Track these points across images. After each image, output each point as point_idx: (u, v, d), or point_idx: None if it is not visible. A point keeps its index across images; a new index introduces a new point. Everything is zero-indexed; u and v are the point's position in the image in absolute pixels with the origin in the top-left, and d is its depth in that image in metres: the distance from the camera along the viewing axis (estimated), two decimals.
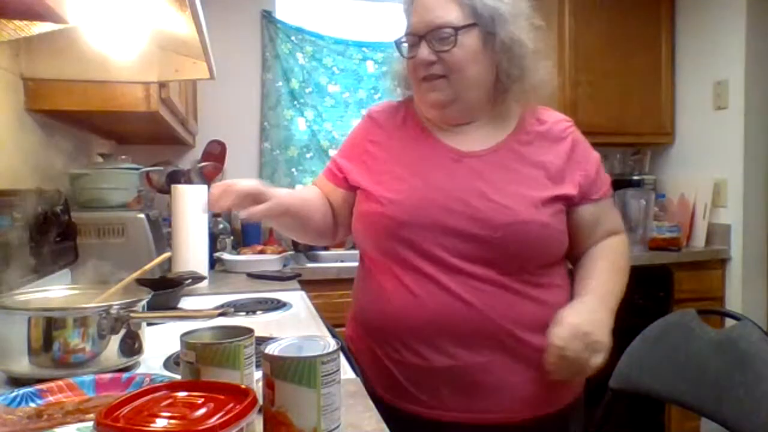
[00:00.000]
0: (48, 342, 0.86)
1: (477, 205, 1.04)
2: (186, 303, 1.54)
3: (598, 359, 0.98)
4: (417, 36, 1.08)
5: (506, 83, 1.10)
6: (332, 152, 2.78)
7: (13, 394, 0.76)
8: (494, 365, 1.03)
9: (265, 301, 1.60)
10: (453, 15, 1.06)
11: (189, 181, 2.29)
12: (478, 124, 1.14)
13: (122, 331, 0.91)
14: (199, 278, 1.71)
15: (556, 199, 1.07)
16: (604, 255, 1.15)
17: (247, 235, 2.66)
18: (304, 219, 1.18)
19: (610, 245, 1.16)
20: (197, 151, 2.80)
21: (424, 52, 1.07)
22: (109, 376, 0.83)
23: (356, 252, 1.23)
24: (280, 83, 2.96)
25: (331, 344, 0.66)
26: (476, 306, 1.02)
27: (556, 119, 1.17)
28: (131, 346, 0.94)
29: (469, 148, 1.12)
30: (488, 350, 1.03)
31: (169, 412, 0.54)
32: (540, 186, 1.07)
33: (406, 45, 1.12)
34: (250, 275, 2.10)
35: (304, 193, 1.25)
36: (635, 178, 3.07)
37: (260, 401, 0.58)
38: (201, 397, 0.57)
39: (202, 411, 0.54)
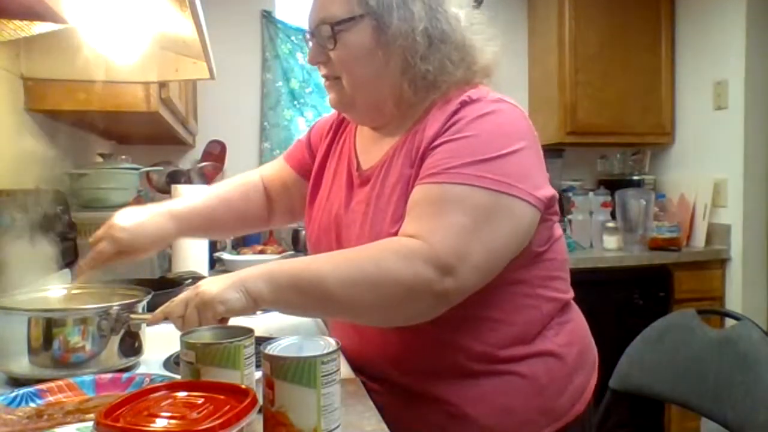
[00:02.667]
0: (48, 342, 0.86)
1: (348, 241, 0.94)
2: None
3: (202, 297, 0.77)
4: (310, 33, 0.95)
5: (420, 82, 0.90)
6: None
7: (13, 394, 0.76)
8: (386, 395, 0.93)
9: None
10: (336, 7, 0.89)
11: (189, 181, 2.29)
12: (389, 130, 0.98)
13: (122, 332, 0.91)
14: (199, 278, 1.71)
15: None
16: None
17: (247, 236, 2.66)
18: (206, 231, 1.20)
19: None
20: (197, 151, 2.81)
21: (312, 51, 0.95)
22: (109, 376, 0.83)
23: None
24: (280, 83, 2.96)
25: (331, 344, 0.66)
26: (356, 340, 0.97)
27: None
28: (131, 346, 0.94)
29: (369, 164, 0.98)
30: (380, 379, 0.95)
31: (169, 412, 0.54)
32: (397, 213, 0.87)
33: (309, 43, 0.97)
34: None
35: (213, 199, 1.16)
36: (635, 178, 3.07)
37: (260, 401, 0.58)
38: (201, 397, 0.57)
39: (202, 411, 0.54)
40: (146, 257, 1.09)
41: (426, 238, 0.77)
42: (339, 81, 0.94)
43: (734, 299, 2.72)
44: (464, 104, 0.87)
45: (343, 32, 0.89)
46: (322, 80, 0.99)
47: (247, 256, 2.32)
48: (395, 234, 0.83)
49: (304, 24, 0.98)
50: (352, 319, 0.91)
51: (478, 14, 0.94)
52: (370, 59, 0.90)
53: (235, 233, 1.32)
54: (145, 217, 1.04)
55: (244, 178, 1.23)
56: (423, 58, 0.88)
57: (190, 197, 1.16)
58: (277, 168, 1.22)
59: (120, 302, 0.92)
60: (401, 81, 0.91)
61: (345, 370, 0.90)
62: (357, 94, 0.94)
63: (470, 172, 0.80)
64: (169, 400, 0.57)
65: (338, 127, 1.11)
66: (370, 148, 1.00)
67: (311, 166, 1.14)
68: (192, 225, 1.11)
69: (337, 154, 1.07)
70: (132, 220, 1.02)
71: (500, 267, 0.83)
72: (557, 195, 0.90)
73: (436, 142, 0.86)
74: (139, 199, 1.89)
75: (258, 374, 0.68)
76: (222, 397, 0.57)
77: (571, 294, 0.99)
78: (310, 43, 0.96)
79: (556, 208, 0.93)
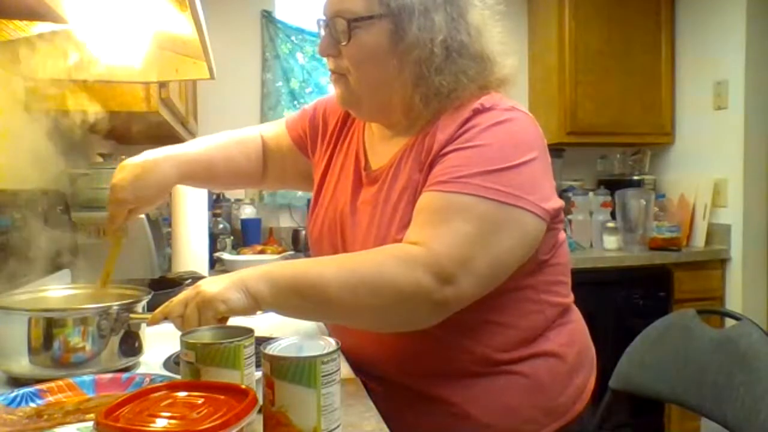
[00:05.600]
0: (48, 342, 0.86)
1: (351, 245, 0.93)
2: None
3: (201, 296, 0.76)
4: (324, 20, 0.91)
5: (433, 96, 0.88)
6: None
7: (13, 394, 0.76)
8: (387, 396, 0.92)
9: None
10: (355, 5, 0.86)
11: None
12: (398, 130, 0.96)
13: (122, 332, 0.91)
14: (199, 278, 1.71)
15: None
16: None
17: (247, 235, 2.66)
18: (203, 180, 1.15)
19: None
20: None
21: (324, 42, 0.91)
22: (109, 376, 0.83)
23: None
24: (280, 83, 2.96)
25: (331, 344, 0.66)
26: (357, 340, 0.95)
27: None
28: (131, 346, 0.94)
29: (378, 163, 0.96)
30: (380, 379, 0.94)
31: (169, 412, 0.54)
32: (404, 220, 0.86)
33: (321, 31, 0.93)
34: None
35: (213, 149, 1.13)
36: (635, 178, 3.07)
37: (260, 401, 0.58)
38: (201, 397, 0.57)
39: (202, 411, 0.54)
40: (151, 209, 1.07)
41: (429, 245, 0.77)
42: (346, 77, 0.92)
43: (734, 299, 2.72)
44: (477, 112, 0.85)
45: (358, 29, 0.86)
46: (329, 74, 0.96)
47: (247, 256, 2.32)
48: (401, 240, 0.82)
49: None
50: (352, 324, 0.91)
51: (500, 26, 0.92)
52: (382, 63, 0.88)
53: (228, 187, 1.32)
54: (144, 168, 1.01)
55: (244, 132, 1.19)
56: (438, 71, 0.86)
57: (190, 144, 1.12)
58: (276, 131, 1.18)
59: (120, 302, 0.92)
60: (413, 93, 0.89)
61: (345, 370, 0.90)
62: (364, 95, 0.92)
63: (479, 183, 0.79)
64: (169, 400, 0.57)
65: (345, 120, 1.08)
66: (379, 146, 0.99)
67: (308, 141, 1.12)
68: (192, 172, 1.08)
69: (345, 149, 1.05)
70: (130, 175, 0.99)
71: (503, 278, 0.83)
72: (564, 204, 0.90)
73: (446, 149, 0.85)
74: None
75: (258, 374, 0.68)
76: (222, 397, 0.57)
77: (571, 297, 1.00)
78: (322, 32, 0.92)
79: (562, 216, 0.92)
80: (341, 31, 0.88)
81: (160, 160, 1.03)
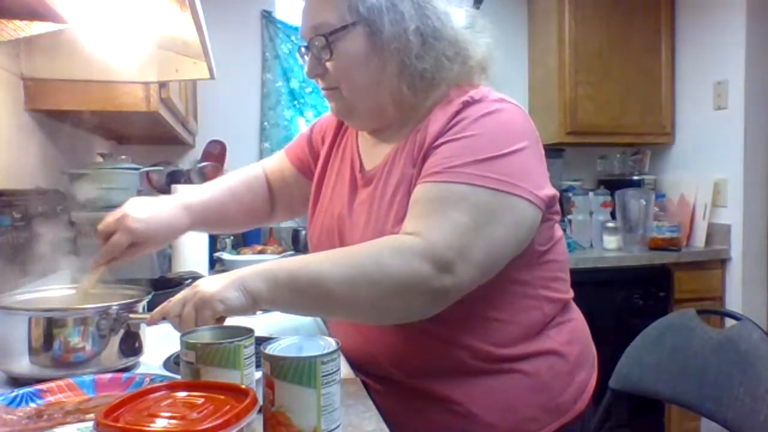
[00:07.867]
0: (48, 342, 0.86)
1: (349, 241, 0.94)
2: None
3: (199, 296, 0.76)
4: (305, 46, 0.95)
5: (419, 82, 0.90)
6: None
7: (13, 394, 0.76)
8: (388, 395, 0.93)
9: None
10: (327, 18, 0.89)
11: (189, 181, 2.29)
12: (392, 132, 0.97)
13: (122, 332, 0.91)
14: (198, 278, 1.70)
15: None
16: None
17: (247, 235, 2.66)
18: (215, 224, 1.17)
19: None
20: (197, 151, 2.80)
21: (309, 64, 0.94)
22: (109, 376, 0.83)
23: None
24: (280, 83, 2.96)
25: (331, 344, 0.66)
26: (358, 339, 0.95)
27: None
28: (131, 346, 0.94)
29: (372, 164, 0.98)
30: (382, 378, 0.95)
31: (169, 412, 0.54)
32: (400, 214, 0.87)
33: (305, 57, 0.96)
34: None
35: (223, 192, 1.15)
36: (635, 178, 3.07)
37: (260, 401, 0.58)
38: (201, 397, 0.57)
39: (202, 411, 0.54)
40: (153, 251, 1.06)
41: (425, 235, 0.77)
42: (338, 90, 0.94)
43: (734, 299, 2.72)
44: (467, 104, 0.87)
45: (337, 42, 0.89)
46: (322, 92, 0.98)
47: (247, 256, 2.32)
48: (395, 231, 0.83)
49: None
50: (352, 318, 0.91)
51: (469, 9, 0.95)
52: (366, 65, 0.90)
53: (240, 228, 1.33)
54: (160, 209, 1.02)
55: (248, 171, 1.22)
56: (418, 57, 0.88)
57: (200, 190, 1.14)
58: (278, 162, 1.21)
59: (120, 302, 0.92)
60: (399, 83, 0.90)
61: (345, 370, 0.90)
62: (357, 101, 0.94)
63: (472, 172, 0.80)
64: (169, 400, 0.57)
65: (339, 128, 1.11)
66: (373, 148, 1.00)
67: (310, 163, 1.14)
68: (204, 218, 1.10)
69: (340, 155, 1.07)
70: (146, 211, 1.00)
71: (500, 266, 0.83)
72: (558, 194, 0.91)
73: (438, 142, 0.86)
74: None
75: (258, 374, 0.68)
76: (222, 397, 0.57)
77: (571, 294, 1.00)
78: (306, 57, 0.95)
79: (558, 207, 0.93)
80: (321, 47, 0.90)
81: (176, 205, 1.05)
